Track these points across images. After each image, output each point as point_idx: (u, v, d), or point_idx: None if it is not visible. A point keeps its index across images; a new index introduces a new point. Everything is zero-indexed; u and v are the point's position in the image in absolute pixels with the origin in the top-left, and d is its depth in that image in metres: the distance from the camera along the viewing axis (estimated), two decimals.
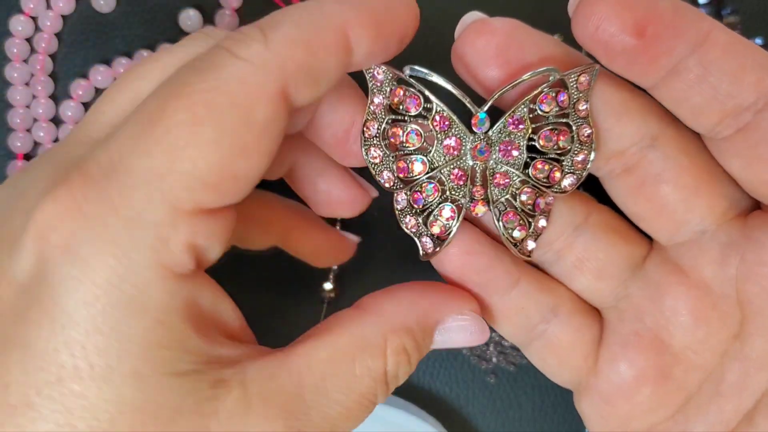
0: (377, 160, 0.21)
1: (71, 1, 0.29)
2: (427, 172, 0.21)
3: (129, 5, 0.30)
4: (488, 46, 0.20)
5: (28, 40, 0.29)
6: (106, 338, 0.16)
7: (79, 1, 0.29)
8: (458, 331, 0.21)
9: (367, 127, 0.21)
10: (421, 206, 0.21)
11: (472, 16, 0.21)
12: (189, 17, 0.30)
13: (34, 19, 0.29)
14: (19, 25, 0.29)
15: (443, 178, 0.21)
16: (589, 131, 0.20)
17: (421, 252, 0.22)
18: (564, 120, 0.21)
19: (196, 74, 0.17)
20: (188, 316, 0.18)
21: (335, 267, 0.30)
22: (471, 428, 0.31)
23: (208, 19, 0.30)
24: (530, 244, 0.22)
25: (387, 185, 0.21)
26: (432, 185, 0.21)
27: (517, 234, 0.21)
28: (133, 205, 0.16)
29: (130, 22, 0.30)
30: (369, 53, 0.19)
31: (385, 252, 0.31)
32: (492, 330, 0.31)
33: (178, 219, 0.17)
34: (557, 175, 0.21)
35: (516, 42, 0.20)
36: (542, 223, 0.22)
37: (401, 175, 0.21)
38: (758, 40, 0.31)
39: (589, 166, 0.21)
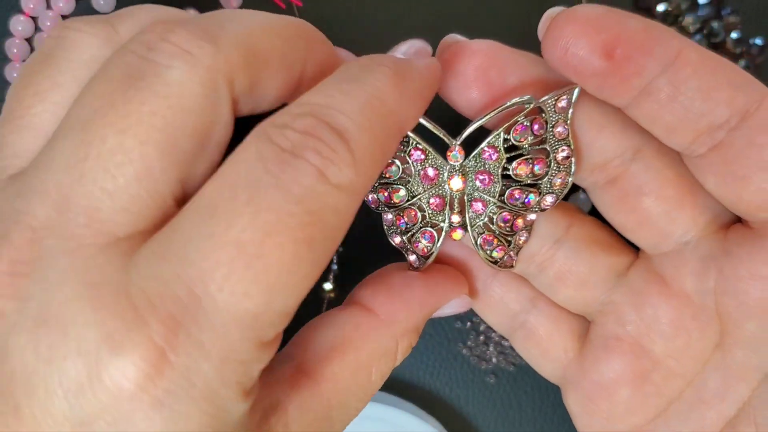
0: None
1: (71, 1, 0.29)
2: (408, 199, 0.22)
3: (129, 5, 0.30)
4: (468, 68, 0.20)
5: (28, 40, 0.29)
6: None
7: (79, 0, 0.29)
8: (447, 309, 0.23)
9: None
10: (404, 228, 0.22)
11: (451, 38, 0.21)
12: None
13: (34, 19, 0.29)
14: (19, 25, 0.29)
15: (423, 205, 0.22)
16: (566, 153, 0.21)
17: (408, 265, 0.23)
18: (540, 147, 0.21)
19: (288, 199, 0.15)
20: (253, 407, 0.17)
21: (335, 267, 0.30)
22: (471, 428, 0.31)
23: None
24: (510, 259, 0.22)
25: (373, 206, 0.22)
26: (413, 212, 0.22)
27: (496, 254, 0.22)
28: (226, 349, 0.15)
29: None
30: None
31: (385, 252, 0.31)
32: (491, 330, 0.31)
33: (261, 351, 0.16)
34: (533, 198, 0.21)
35: (496, 63, 0.20)
36: (524, 237, 0.22)
37: (384, 202, 0.22)
38: (758, 40, 0.31)
39: (568, 188, 0.21)
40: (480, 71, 0.20)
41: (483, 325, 0.31)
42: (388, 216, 0.22)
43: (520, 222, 0.22)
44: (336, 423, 0.20)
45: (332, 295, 0.30)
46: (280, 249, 0.15)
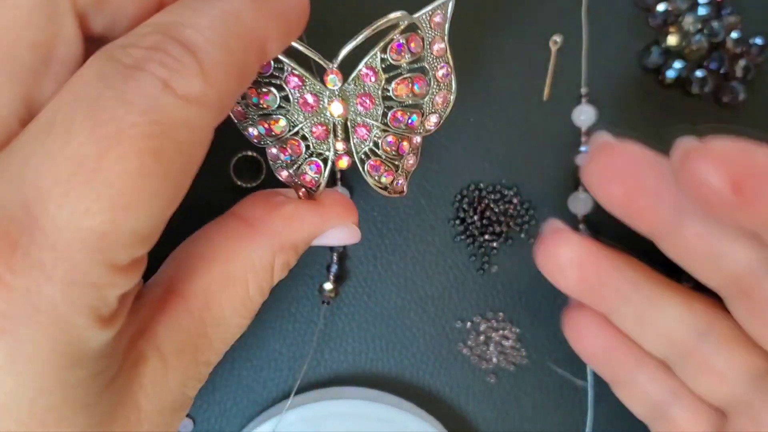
0: (242, 118, 0.21)
1: None
2: (289, 130, 0.21)
3: None
4: (612, 166, 0.22)
5: None
6: (55, 397, 0.16)
7: None
8: (333, 237, 0.22)
9: None
10: (289, 162, 0.22)
11: (602, 136, 0.23)
12: None
13: None
14: None
15: (306, 134, 0.21)
16: (445, 70, 0.20)
17: (299, 196, 0.22)
18: (418, 65, 0.21)
19: (134, 110, 0.15)
20: (116, 335, 0.17)
21: (335, 267, 0.30)
22: (471, 428, 0.31)
23: None
24: (401, 181, 0.23)
25: (255, 141, 0.22)
26: (296, 143, 0.21)
27: (384, 179, 0.22)
28: (70, 270, 0.15)
29: None
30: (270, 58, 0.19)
31: (385, 252, 0.31)
32: (492, 330, 0.31)
33: (115, 276, 0.16)
34: (416, 119, 0.21)
35: (638, 165, 0.22)
36: (411, 161, 0.22)
37: (265, 134, 0.21)
38: (758, 40, 0.31)
39: (450, 106, 0.21)
40: (622, 170, 0.22)
41: (483, 325, 0.31)
42: (272, 150, 0.22)
43: (405, 145, 0.22)
44: (215, 341, 0.20)
45: (332, 295, 0.30)
46: (122, 161, 0.14)
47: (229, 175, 0.30)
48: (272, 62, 0.20)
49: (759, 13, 0.31)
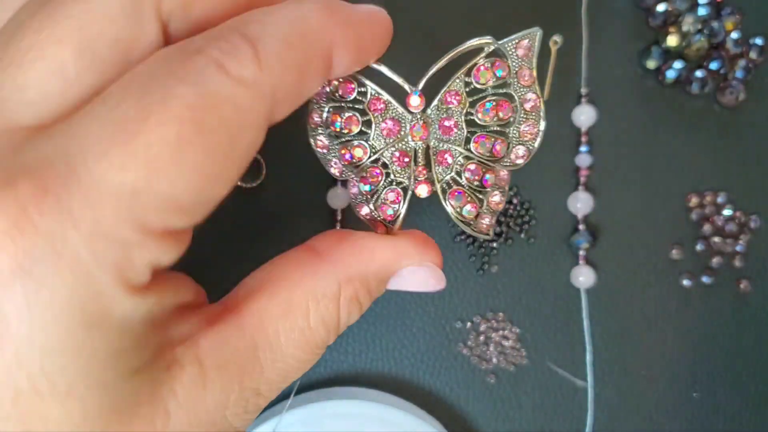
0: (325, 150, 0.21)
1: None
2: (369, 157, 0.20)
3: None
4: None
5: None
6: (68, 358, 0.15)
7: None
8: (414, 280, 0.21)
9: (311, 117, 0.21)
10: (369, 192, 0.21)
11: None
12: None
13: None
14: None
15: (386, 161, 0.20)
16: (533, 101, 0.20)
17: (377, 232, 0.21)
18: (503, 91, 0.20)
19: (182, 84, 0.16)
20: (147, 318, 0.17)
21: None
22: (471, 428, 0.31)
23: None
24: (486, 221, 0.21)
25: (337, 174, 0.21)
26: (376, 170, 0.20)
27: (468, 211, 0.21)
28: (99, 221, 0.15)
29: None
30: (344, 72, 0.19)
31: None
32: (492, 330, 0.31)
33: (145, 239, 0.16)
34: (500, 148, 0.20)
35: None
36: (496, 198, 0.21)
37: (346, 163, 0.21)
38: (758, 40, 0.31)
39: (540, 138, 0.20)
40: None
41: (483, 326, 0.31)
42: (353, 189, 0.21)
43: (490, 178, 0.20)
44: (267, 369, 0.19)
45: None
46: (163, 126, 0.15)
47: None
48: (356, 86, 0.20)
49: (759, 13, 0.31)
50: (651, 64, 0.31)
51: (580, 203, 0.31)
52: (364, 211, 0.21)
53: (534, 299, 0.31)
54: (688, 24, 0.30)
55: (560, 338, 0.31)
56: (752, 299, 0.32)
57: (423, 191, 0.21)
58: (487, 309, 0.31)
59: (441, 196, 0.21)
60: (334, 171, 0.21)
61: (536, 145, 0.20)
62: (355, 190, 0.21)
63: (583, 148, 0.31)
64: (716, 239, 0.31)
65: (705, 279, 0.31)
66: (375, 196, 0.21)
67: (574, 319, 0.31)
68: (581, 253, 0.31)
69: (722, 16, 0.31)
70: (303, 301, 0.19)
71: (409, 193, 0.21)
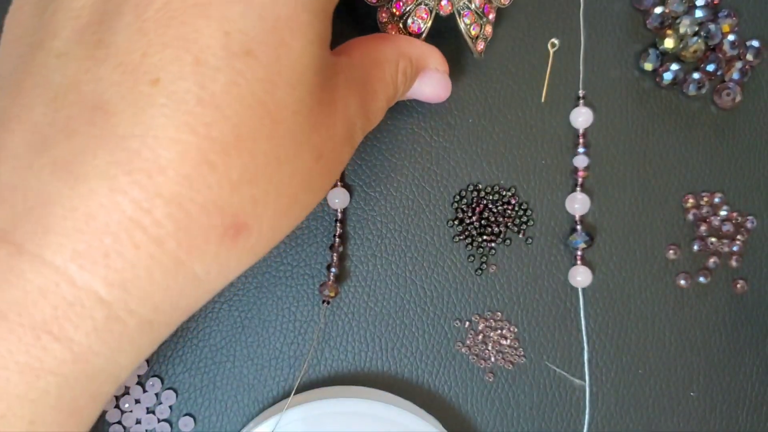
0: None
1: None
2: None
3: None
4: None
5: None
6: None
7: None
8: (431, 83, 0.27)
9: None
10: (400, 12, 0.28)
11: None
12: None
13: None
14: None
15: None
16: None
17: None
18: None
19: None
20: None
21: (335, 268, 0.31)
22: (469, 426, 0.32)
23: None
24: (480, 44, 0.29)
25: (374, 1, 0.28)
26: None
27: (473, 31, 0.28)
28: None
29: None
30: None
31: (385, 252, 0.31)
32: (490, 329, 0.31)
33: None
34: None
35: None
36: (489, 29, 0.29)
37: None
38: (755, 42, 0.31)
39: None
40: None
41: (482, 325, 0.31)
42: (384, 13, 0.28)
43: (488, 8, 0.29)
44: (372, 100, 0.24)
45: (332, 295, 0.31)
46: None
47: None
48: None
49: (755, 16, 0.32)
50: (648, 66, 0.31)
51: (578, 204, 0.31)
52: (393, 31, 0.28)
53: (532, 299, 0.32)
54: (684, 26, 0.31)
55: (558, 337, 0.32)
56: (748, 299, 0.32)
57: (447, 9, 0.28)
58: (486, 308, 0.32)
59: (457, 16, 0.28)
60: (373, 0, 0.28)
61: None
62: (385, 17, 0.28)
63: (580, 150, 0.31)
64: (713, 240, 0.32)
65: (701, 279, 0.32)
66: (404, 17, 0.28)
67: (572, 318, 0.32)
68: (578, 253, 0.31)
69: (719, 19, 0.31)
70: (384, 58, 0.24)
71: (433, 12, 0.28)
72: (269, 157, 0.18)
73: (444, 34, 0.29)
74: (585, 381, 0.32)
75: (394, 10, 0.28)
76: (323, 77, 0.20)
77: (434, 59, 0.27)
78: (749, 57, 0.31)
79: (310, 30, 0.19)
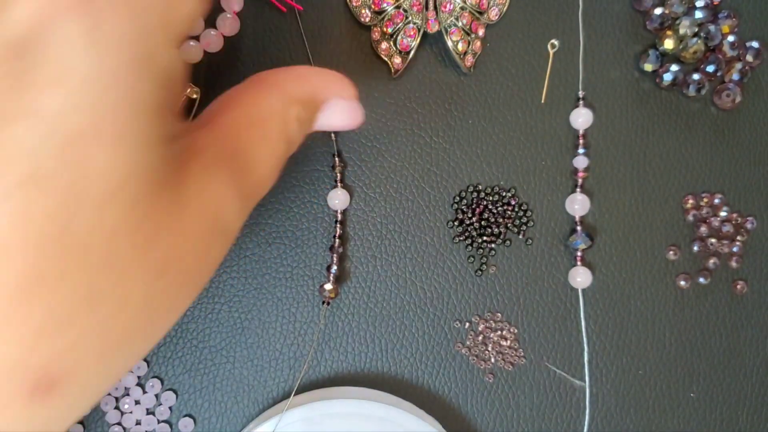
0: (359, 2, 0.30)
1: None
2: (394, 6, 0.30)
3: None
4: None
5: None
6: (118, 100, 0.15)
7: None
8: (338, 112, 0.24)
9: None
10: (390, 31, 0.30)
11: None
12: None
13: None
14: None
15: (405, 7, 0.30)
16: None
17: (392, 70, 0.30)
18: None
19: None
20: (176, 77, 0.18)
21: (335, 269, 0.31)
22: (469, 427, 0.32)
23: (210, 22, 0.30)
24: (469, 59, 0.30)
25: (364, 20, 0.30)
26: (400, 13, 0.30)
27: (460, 47, 0.30)
28: None
29: None
30: None
31: (385, 252, 0.31)
32: (490, 330, 0.31)
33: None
34: (485, 1, 0.30)
35: None
36: (478, 44, 0.30)
37: (376, 9, 0.30)
38: (754, 43, 0.31)
39: (508, 2, 0.30)
40: None
41: (482, 326, 0.31)
42: (376, 31, 0.30)
43: (477, 26, 0.30)
44: (250, 168, 0.21)
45: (332, 295, 0.31)
46: None
47: None
48: None
49: (755, 16, 0.32)
50: (648, 66, 0.31)
51: (578, 205, 0.31)
52: (384, 47, 0.30)
53: (532, 300, 0.32)
54: (684, 27, 0.31)
55: (558, 338, 0.32)
56: (748, 300, 0.32)
57: (434, 28, 0.30)
58: (485, 309, 0.32)
59: (444, 34, 0.30)
60: (364, 19, 0.30)
61: (504, 8, 0.31)
62: (377, 35, 0.30)
63: (580, 150, 0.31)
64: (712, 241, 0.32)
65: (701, 280, 0.32)
66: (395, 35, 0.30)
67: (572, 319, 0.32)
68: (578, 254, 0.31)
69: (719, 20, 0.31)
70: (267, 113, 0.22)
71: (421, 30, 0.30)
72: (80, 296, 0.15)
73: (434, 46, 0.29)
74: (585, 382, 0.32)
75: (385, 29, 0.30)
76: (161, 174, 0.17)
77: (335, 88, 0.24)
78: (749, 58, 0.31)
79: (128, 133, 0.16)
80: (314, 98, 0.23)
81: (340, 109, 0.24)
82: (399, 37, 0.30)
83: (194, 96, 0.30)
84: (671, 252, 0.32)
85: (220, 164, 0.20)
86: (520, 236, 0.32)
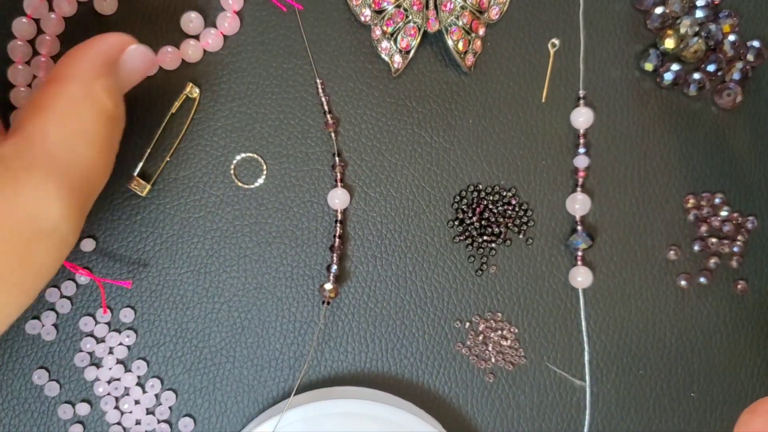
0: (359, 2, 0.30)
1: (73, 3, 0.29)
2: (394, 5, 0.30)
3: (130, 7, 0.30)
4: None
5: (31, 42, 0.29)
6: None
7: (81, 3, 0.30)
8: (135, 59, 0.24)
9: None
10: (391, 30, 0.30)
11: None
12: (190, 19, 0.30)
13: (36, 21, 0.29)
14: (21, 27, 0.29)
15: (406, 6, 0.30)
16: None
17: (393, 69, 0.30)
18: None
19: None
20: None
21: (335, 267, 0.31)
22: (470, 427, 0.32)
23: (210, 21, 0.30)
24: (470, 59, 0.30)
25: (365, 20, 0.30)
26: (400, 13, 0.30)
27: (461, 46, 0.30)
28: None
29: (132, 24, 0.30)
30: None
31: (385, 252, 0.31)
32: (491, 330, 0.31)
33: None
34: (485, 0, 0.30)
35: None
36: (478, 43, 0.30)
37: (376, 8, 0.30)
38: (755, 43, 0.31)
39: (508, 1, 0.31)
40: None
41: (482, 325, 0.31)
42: (377, 30, 0.30)
43: (477, 25, 0.30)
44: (71, 164, 0.22)
45: (332, 295, 0.30)
46: None
47: (229, 174, 0.30)
48: None
49: (755, 16, 0.32)
50: (648, 66, 0.31)
51: (578, 204, 0.31)
52: (385, 46, 0.30)
53: (532, 299, 0.32)
54: (685, 26, 0.31)
55: (558, 338, 0.32)
56: (749, 300, 0.32)
57: (435, 27, 0.30)
58: (486, 309, 0.32)
59: (444, 33, 0.30)
60: (364, 18, 0.30)
61: (506, 7, 0.31)
62: (378, 33, 0.30)
63: (581, 150, 0.31)
64: (713, 240, 0.32)
65: (702, 280, 0.32)
66: (395, 34, 0.30)
67: (572, 319, 0.32)
68: (579, 253, 0.31)
69: (719, 19, 0.31)
70: (68, 107, 0.22)
71: (422, 30, 0.30)
72: None
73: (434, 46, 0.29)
74: (585, 382, 0.32)
75: (386, 28, 0.30)
76: None
77: (117, 42, 0.24)
78: (750, 57, 0.31)
79: None
80: (108, 61, 0.24)
81: (132, 57, 0.24)
82: (399, 36, 0.30)
83: (194, 95, 0.30)
84: (672, 252, 0.32)
85: (33, 169, 0.21)
86: (521, 236, 0.31)
